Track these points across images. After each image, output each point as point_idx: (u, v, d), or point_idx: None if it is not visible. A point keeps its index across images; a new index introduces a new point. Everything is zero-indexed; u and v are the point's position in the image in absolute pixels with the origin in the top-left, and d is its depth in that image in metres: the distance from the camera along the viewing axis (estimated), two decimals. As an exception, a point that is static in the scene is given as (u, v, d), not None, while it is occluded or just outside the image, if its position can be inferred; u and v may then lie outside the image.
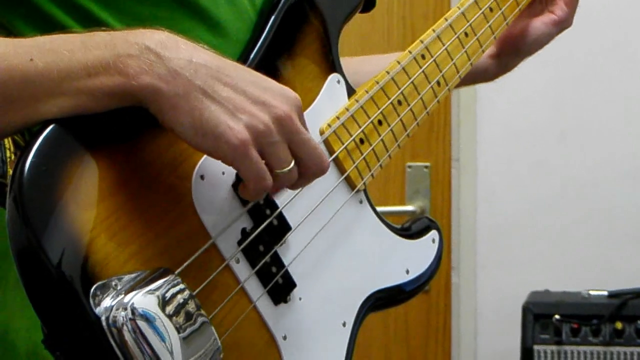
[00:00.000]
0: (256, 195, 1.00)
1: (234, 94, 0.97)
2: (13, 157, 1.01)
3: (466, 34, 1.33)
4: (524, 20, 1.43)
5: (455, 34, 1.32)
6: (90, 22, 1.05)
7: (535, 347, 2.43)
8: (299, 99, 1.01)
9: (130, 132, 0.98)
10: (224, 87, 0.96)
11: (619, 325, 2.41)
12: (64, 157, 0.94)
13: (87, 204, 0.93)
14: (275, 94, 0.99)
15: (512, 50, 1.45)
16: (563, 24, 1.45)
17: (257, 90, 0.98)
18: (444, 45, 1.30)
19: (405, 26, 2.76)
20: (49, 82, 0.94)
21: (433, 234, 1.28)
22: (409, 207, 2.77)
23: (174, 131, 0.96)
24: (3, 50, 0.95)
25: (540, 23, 1.44)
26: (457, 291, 2.77)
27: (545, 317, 2.44)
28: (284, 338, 1.07)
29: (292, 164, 0.99)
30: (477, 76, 1.42)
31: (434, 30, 1.30)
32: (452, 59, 1.31)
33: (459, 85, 1.39)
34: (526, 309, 2.46)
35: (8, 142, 1.01)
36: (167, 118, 0.95)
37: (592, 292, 2.51)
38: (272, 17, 1.16)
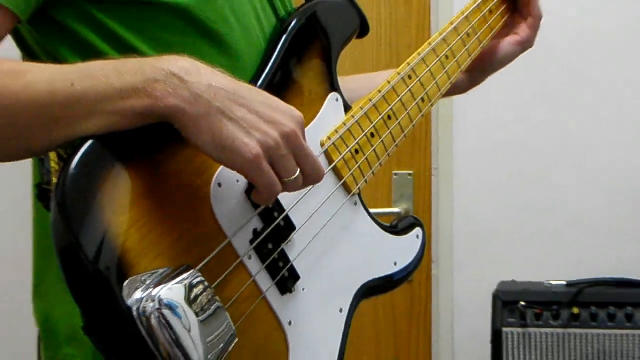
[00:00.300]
0: (268, 200, 1.01)
1: (247, 114, 0.97)
2: (57, 167, 1.00)
3: (447, 57, 1.33)
4: (492, 40, 1.43)
5: (438, 56, 1.32)
6: (124, 49, 1.06)
7: (504, 330, 2.43)
8: (302, 117, 1.01)
9: (157, 146, 0.98)
10: (239, 108, 0.96)
11: (575, 310, 2.40)
12: (100, 169, 0.94)
13: (121, 209, 0.93)
14: (284, 113, 0.99)
15: (481, 67, 1.45)
16: (526, 45, 1.45)
17: (267, 110, 0.98)
18: (427, 67, 1.30)
19: (391, 53, 2.76)
20: (87, 104, 0.95)
21: (417, 230, 1.28)
22: (395, 209, 2.77)
23: (196, 145, 0.96)
24: (48, 76, 0.96)
25: (506, 44, 1.43)
26: (436, 282, 2.77)
27: (512, 304, 2.43)
28: (290, 323, 1.07)
29: (298, 172, 0.99)
30: (451, 90, 1.40)
31: (419, 54, 1.30)
32: (434, 79, 1.31)
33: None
34: (496, 297, 2.46)
35: (52, 154, 1.01)
36: (190, 134, 0.95)
37: (552, 282, 2.52)
38: (281, 42, 1.17)
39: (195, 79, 0.95)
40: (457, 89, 1.45)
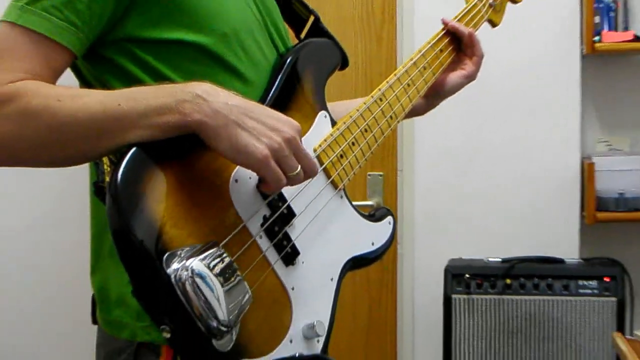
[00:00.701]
0: (275, 190, 1.01)
1: (257, 124, 0.97)
2: (108, 169, 1.00)
3: (409, 84, 1.32)
4: (443, 73, 1.42)
5: (401, 84, 1.31)
6: (158, 77, 1.06)
7: (453, 296, 2.41)
8: (299, 125, 1.01)
9: (186, 151, 0.98)
10: (250, 120, 0.97)
11: (508, 281, 2.39)
12: (142, 169, 0.94)
13: (159, 199, 0.93)
14: (284, 123, 1.00)
15: (435, 94, 1.43)
16: (470, 78, 1.43)
17: (272, 121, 0.98)
18: (394, 92, 1.29)
19: (366, 81, 2.74)
20: (131, 119, 0.95)
21: (389, 218, 1.27)
22: (369, 202, 2.75)
23: (217, 151, 0.96)
24: (100, 98, 0.97)
25: (454, 76, 1.42)
26: (401, 258, 2.74)
27: (459, 276, 2.42)
28: (292, 289, 1.07)
29: (299, 168, 1.00)
30: (412, 112, 1.40)
31: (387, 82, 1.29)
32: (399, 101, 1.30)
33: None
34: (447, 270, 2.44)
35: (105, 159, 1.01)
36: (212, 142, 0.96)
37: (490, 259, 2.50)
38: (280, 74, 1.16)
39: (214, 98, 0.96)
40: (417, 111, 1.44)
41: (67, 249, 2.63)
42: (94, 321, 1.17)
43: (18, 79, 0.97)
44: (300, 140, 1.01)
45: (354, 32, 2.76)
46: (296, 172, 0.99)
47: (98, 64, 1.07)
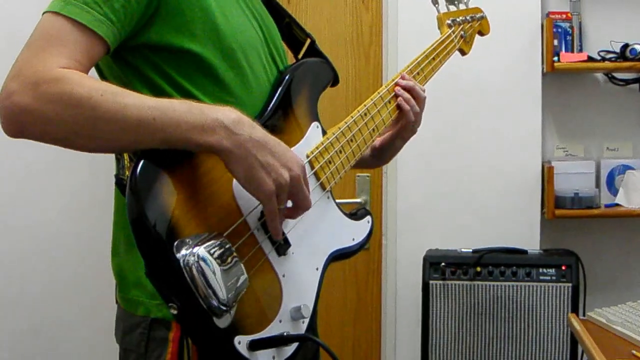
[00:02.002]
0: (271, 219, 1.01)
1: (271, 159, 0.98)
2: (128, 164, 1.01)
3: (389, 101, 1.32)
4: (389, 133, 1.38)
5: (383, 101, 1.31)
6: (180, 91, 1.06)
7: (430, 282, 2.40)
8: (304, 164, 1.03)
9: (195, 154, 0.98)
10: (266, 155, 0.97)
11: (478, 269, 2.38)
12: (158, 167, 0.95)
13: (172, 194, 0.94)
14: (293, 162, 1.00)
15: (385, 153, 1.42)
16: (404, 139, 1.39)
17: (284, 158, 0.99)
18: (377, 108, 1.29)
19: (355, 93, 2.73)
20: (161, 134, 0.94)
21: (368, 217, 1.28)
22: (358, 200, 2.72)
23: (232, 174, 0.97)
24: (138, 105, 0.94)
25: (398, 140, 1.39)
26: (385, 248, 2.73)
27: (436, 264, 2.41)
28: (283, 276, 1.07)
29: (287, 204, 1.01)
30: (368, 165, 1.38)
31: (371, 99, 1.29)
32: (381, 116, 1.30)
33: (361, 167, 1.37)
34: (425, 259, 2.44)
35: (126, 155, 1.01)
36: (230, 166, 0.97)
37: (463, 250, 2.49)
38: (279, 89, 1.17)
39: (240, 131, 0.96)
40: (371, 165, 1.43)
41: (91, 237, 2.65)
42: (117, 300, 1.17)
43: (65, 65, 0.93)
44: (304, 175, 1.01)
45: (345, 52, 2.74)
46: (284, 206, 1.01)
47: (123, 67, 1.06)
